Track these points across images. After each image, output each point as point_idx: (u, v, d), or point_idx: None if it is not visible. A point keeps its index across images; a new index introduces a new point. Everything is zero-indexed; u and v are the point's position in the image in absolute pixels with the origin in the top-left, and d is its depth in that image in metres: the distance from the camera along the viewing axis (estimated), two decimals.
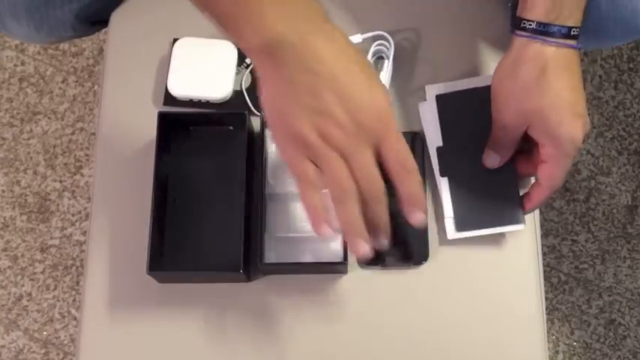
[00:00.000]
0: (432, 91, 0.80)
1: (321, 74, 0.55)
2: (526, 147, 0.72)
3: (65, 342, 1.32)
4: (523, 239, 0.78)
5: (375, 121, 0.57)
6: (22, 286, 1.35)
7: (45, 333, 1.33)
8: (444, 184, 0.77)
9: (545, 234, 1.35)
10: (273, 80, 0.57)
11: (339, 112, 0.56)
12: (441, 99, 0.79)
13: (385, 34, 0.82)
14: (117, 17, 0.88)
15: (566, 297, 1.33)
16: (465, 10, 0.86)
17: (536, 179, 0.71)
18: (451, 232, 0.76)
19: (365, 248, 0.58)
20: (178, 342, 0.76)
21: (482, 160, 0.74)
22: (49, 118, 1.44)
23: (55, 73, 1.47)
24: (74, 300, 1.34)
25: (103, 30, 0.91)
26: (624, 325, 1.32)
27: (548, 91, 0.65)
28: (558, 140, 0.66)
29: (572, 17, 0.66)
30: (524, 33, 0.66)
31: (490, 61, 0.84)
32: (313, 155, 0.57)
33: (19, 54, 1.48)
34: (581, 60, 1.45)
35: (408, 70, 0.83)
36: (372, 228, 0.59)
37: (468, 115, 0.78)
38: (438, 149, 0.78)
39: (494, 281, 0.77)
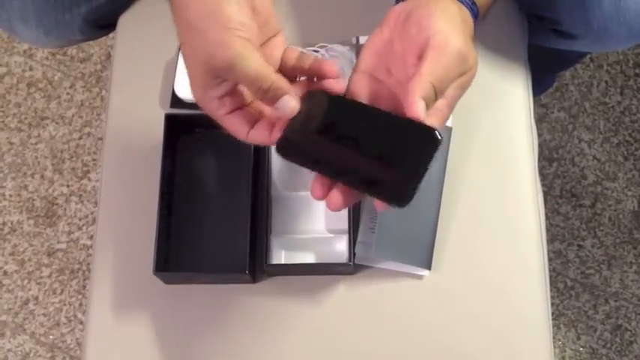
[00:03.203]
0: None
1: None
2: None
3: (71, 346, 1.33)
4: (529, 244, 0.78)
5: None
6: (29, 290, 1.36)
7: (51, 337, 1.33)
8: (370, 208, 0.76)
9: (552, 239, 1.35)
10: None
11: None
12: None
13: None
14: (125, 21, 0.88)
15: (572, 302, 1.33)
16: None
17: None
18: (364, 257, 0.76)
19: None
20: (184, 343, 0.76)
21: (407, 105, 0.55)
22: (56, 123, 1.45)
23: (63, 79, 1.48)
24: (80, 304, 1.34)
25: (111, 35, 0.92)
26: (630, 331, 1.31)
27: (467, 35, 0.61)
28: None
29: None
30: None
31: (501, 65, 0.84)
32: None
33: (28, 59, 1.49)
34: (587, 65, 1.46)
35: None
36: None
37: None
38: None
39: (500, 287, 0.77)
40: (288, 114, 0.57)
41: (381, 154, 0.55)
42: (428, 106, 0.55)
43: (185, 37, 0.58)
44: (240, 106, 0.59)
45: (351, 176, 0.55)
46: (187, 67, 0.58)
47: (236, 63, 0.55)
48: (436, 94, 0.56)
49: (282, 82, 0.57)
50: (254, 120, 0.59)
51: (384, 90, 0.61)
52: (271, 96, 0.57)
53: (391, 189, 0.54)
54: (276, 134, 0.58)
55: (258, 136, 0.59)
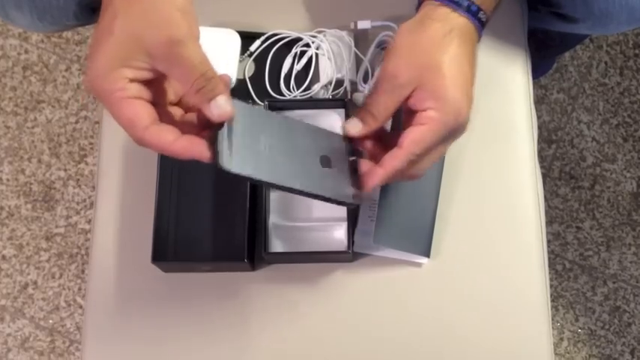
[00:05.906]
0: None
1: None
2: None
3: (71, 330, 1.33)
4: (528, 227, 0.78)
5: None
6: (28, 274, 1.36)
7: (51, 321, 1.34)
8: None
9: (550, 221, 1.35)
10: None
11: None
12: None
13: (394, 25, 0.82)
14: None
15: (570, 284, 1.33)
16: None
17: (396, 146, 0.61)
18: (363, 245, 0.76)
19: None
20: (182, 330, 0.76)
21: (344, 126, 0.62)
22: (52, 106, 1.44)
23: (59, 62, 1.47)
24: (79, 288, 1.34)
25: None
26: (629, 312, 1.32)
27: (451, 52, 0.61)
28: (445, 104, 0.60)
29: (484, 2, 0.64)
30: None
31: (501, 49, 0.84)
32: None
33: (23, 42, 1.48)
34: (587, 46, 1.45)
35: None
36: None
37: None
38: None
39: (498, 270, 0.77)
40: (217, 117, 0.54)
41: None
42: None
43: (122, 7, 0.53)
44: (144, 98, 0.55)
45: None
46: (107, 38, 0.53)
47: (185, 42, 0.52)
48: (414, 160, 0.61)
49: (220, 82, 0.54)
50: (157, 116, 0.55)
51: None
52: (208, 91, 0.53)
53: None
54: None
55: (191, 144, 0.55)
